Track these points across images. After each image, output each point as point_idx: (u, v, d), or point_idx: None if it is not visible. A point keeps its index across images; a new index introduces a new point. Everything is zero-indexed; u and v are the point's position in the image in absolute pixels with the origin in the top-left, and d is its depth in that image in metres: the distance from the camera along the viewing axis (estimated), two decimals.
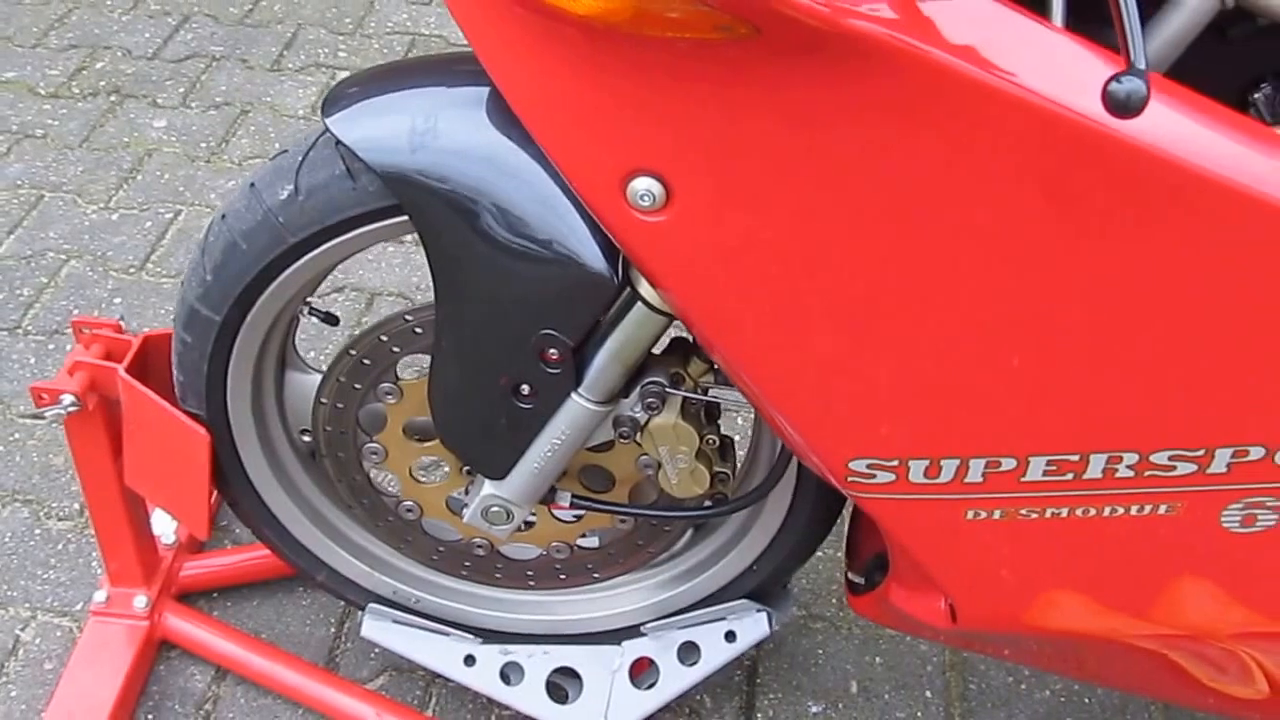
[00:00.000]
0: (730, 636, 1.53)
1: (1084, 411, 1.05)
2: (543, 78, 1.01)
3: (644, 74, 0.96)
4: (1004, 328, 1.00)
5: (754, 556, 1.48)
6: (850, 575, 1.45)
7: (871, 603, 1.38)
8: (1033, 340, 1.01)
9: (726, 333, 1.07)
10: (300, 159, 1.27)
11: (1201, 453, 1.05)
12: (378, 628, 1.59)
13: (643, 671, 1.56)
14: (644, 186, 0.99)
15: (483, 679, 1.57)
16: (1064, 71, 0.88)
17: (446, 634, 1.58)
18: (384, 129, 1.19)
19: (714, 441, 1.34)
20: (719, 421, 1.36)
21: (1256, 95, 1.06)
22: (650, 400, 1.28)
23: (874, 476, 1.12)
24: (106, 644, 1.65)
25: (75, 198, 2.41)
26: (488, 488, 1.35)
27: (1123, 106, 0.72)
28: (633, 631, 1.56)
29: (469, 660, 1.58)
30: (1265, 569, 1.14)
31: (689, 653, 1.54)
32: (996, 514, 1.13)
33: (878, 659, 1.73)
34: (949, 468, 1.10)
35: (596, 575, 1.53)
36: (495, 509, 1.36)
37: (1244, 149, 0.92)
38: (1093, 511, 1.11)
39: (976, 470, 1.10)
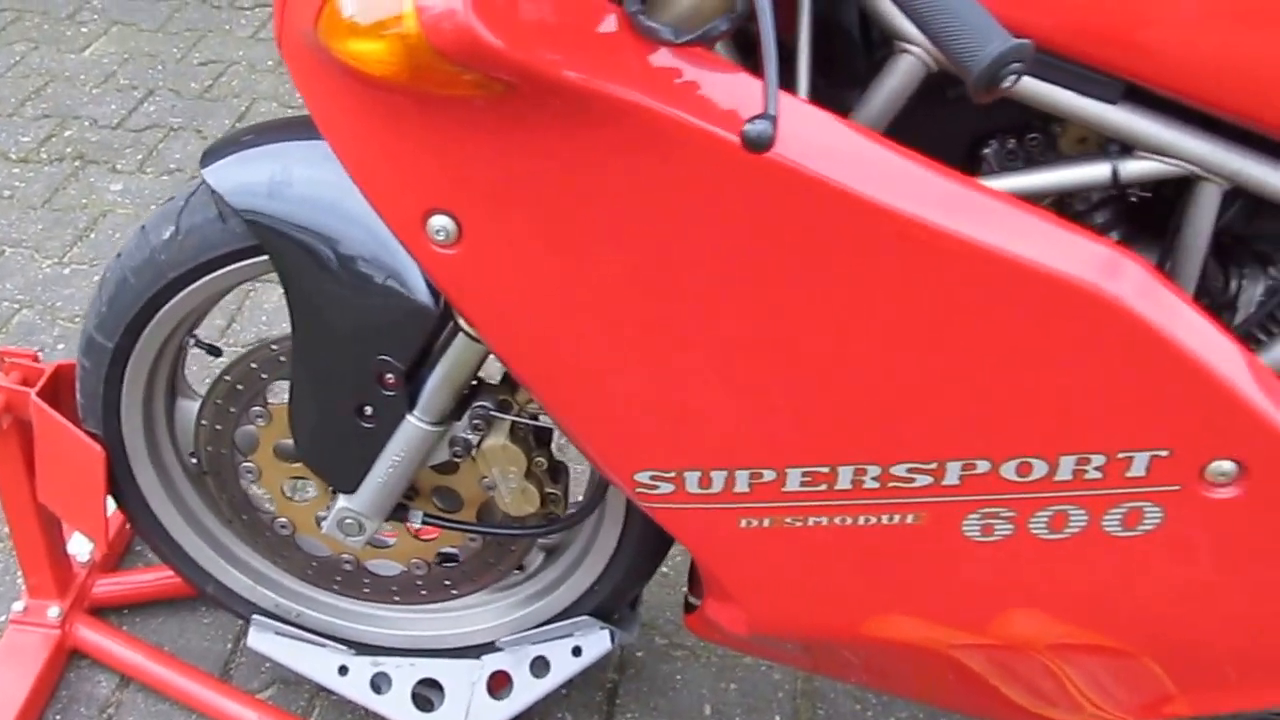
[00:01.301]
0: (577, 651, 1.64)
1: (827, 426, 1.16)
2: (355, 126, 1.14)
3: (434, 122, 1.08)
4: (749, 350, 1.12)
5: (595, 576, 1.60)
6: (689, 596, 1.57)
7: (698, 620, 1.50)
8: (776, 361, 1.13)
9: (520, 356, 1.20)
10: (183, 204, 1.42)
11: (934, 465, 1.17)
12: (262, 639, 1.72)
13: (501, 684, 1.67)
14: (439, 223, 1.11)
15: (355, 688, 1.69)
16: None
17: (323, 645, 1.70)
18: (248, 177, 1.34)
19: (543, 464, 1.47)
20: (551, 445, 1.49)
21: (986, 150, 1.20)
22: (477, 423, 1.41)
23: (657, 487, 1.24)
24: (22, 650, 1.77)
25: (33, 253, 2.57)
26: (341, 501, 1.48)
27: (753, 144, 0.86)
28: (490, 647, 1.68)
29: (342, 670, 1.70)
30: (1008, 578, 1.25)
31: (540, 667, 1.66)
32: (766, 522, 1.25)
33: (732, 685, 1.84)
34: (718, 479, 1.22)
35: (455, 592, 1.65)
36: (349, 521, 1.48)
37: (936, 187, 1.05)
38: (849, 520, 1.23)
39: (743, 481, 1.22)
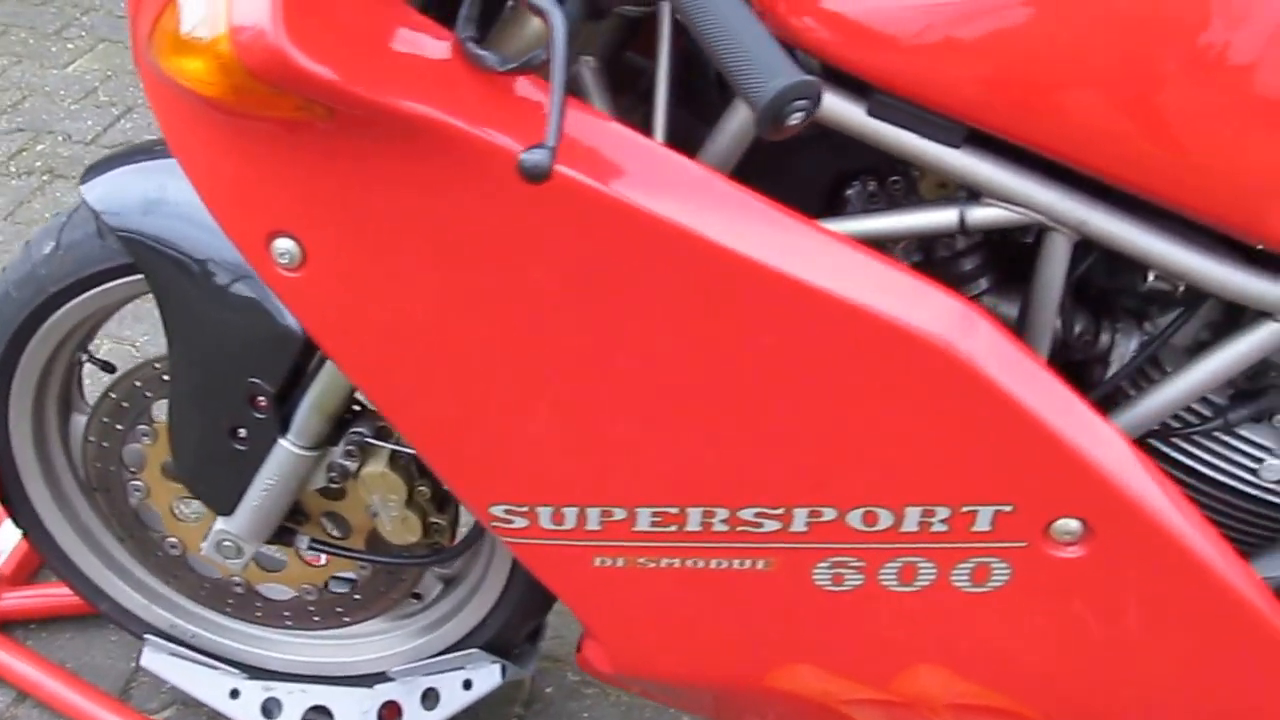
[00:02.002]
0: (468, 684, 1.61)
1: (672, 467, 1.14)
2: (201, 146, 1.13)
3: (274, 145, 1.07)
4: (586, 386, 1.11)
5: (488, 609, 1.57)
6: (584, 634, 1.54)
7: (583, 658, 1.47)
8: (615, 398, 1.11)
9: (368, 381, 1.18)
10: (65, 220, 1.41)
11: (781, 511, 1.15)
12: (155, 659, 1.70)
13: (393, 714, 1.65)
14: (283, 246, 1.09)
15: (245, 712, 1.67)
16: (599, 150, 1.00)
17: (215, 668, 1.68)
18: (124, 194, 1.34)
19: (425, 493, 1.45)
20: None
21: (849, 192, 1.17)
22: (350, 449, 1.39)
23: (511, 521, 1.22)
24: None
25: None
26: (219, 523, 1.46)
27: (528, 174, 0.84)
28: (383, 676, 1.65)
29: (234, 694, 1.68)
30: (860, 630, 1.22)
31: (431, 699, 1.63)
32: (620, 561, 1.23)
33: None
34: (571, 515, 1.20)
35: (347, 619, 1.63)
36: (226, 543, 1.47)
37: (782, 230, 1.03)
38: (701, 563, 1.21)
39: (594, 519, 1.20)
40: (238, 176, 1.11)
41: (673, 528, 1.18)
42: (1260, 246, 1.06)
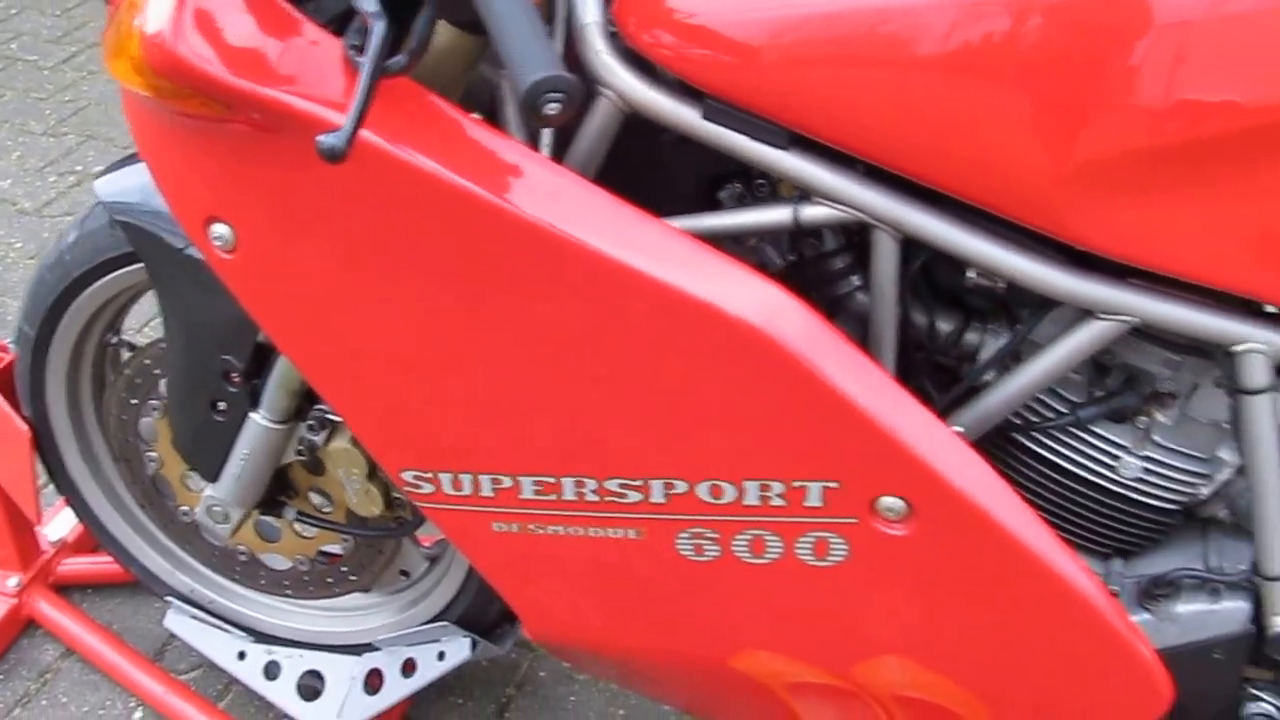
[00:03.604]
0: (441, 656, 1.75)
1: (541, 440, 1.26)
2: (151, 135, 1.29)
3: (206, 138, 1.22)
4: (466, 363, 1.23)
5: (458, 585, 1.71)
6: None
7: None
8: (488, 375, 1.23)
9: (297, 358, 1.33)
10: (88, 212, 1.62)
11: (641, 483, 1.25)
12: (177, 621, 1.89)
13: (376, 681, 1.80)
14: (219, 231, 1.25)
15: (249, 673, 1.84)
16: (473, 154, 1.13)
17: (227, 631, 1.86)
18: (127, 185, 1.53)
19: None
20: None
21: (721, 194, 1.28)
22: (311, 424, 1.55)
23: (420, 486, 1.35)
24: None
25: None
26: (208, 489, 1.64)
27: (324, 155, 0.98)
28: (370, 646, 1.81)
29: (241, 655, 1.85)
30: (723, 599, 1.31)
31: (409, 668, 1.77)
32: (515, 527, 1.34)
33: (620, 711, 1.91)
34: (467, 482, 1.33)
35: (337, 590, 1.79)
36: (215, 509, 1.64)
37: (621, 225, 1.15)
38: (581, 531, 1.32)
39: (487, 486, 1.32)
40: (178, 165, 1.27)
41: (552, 496, 1.29)
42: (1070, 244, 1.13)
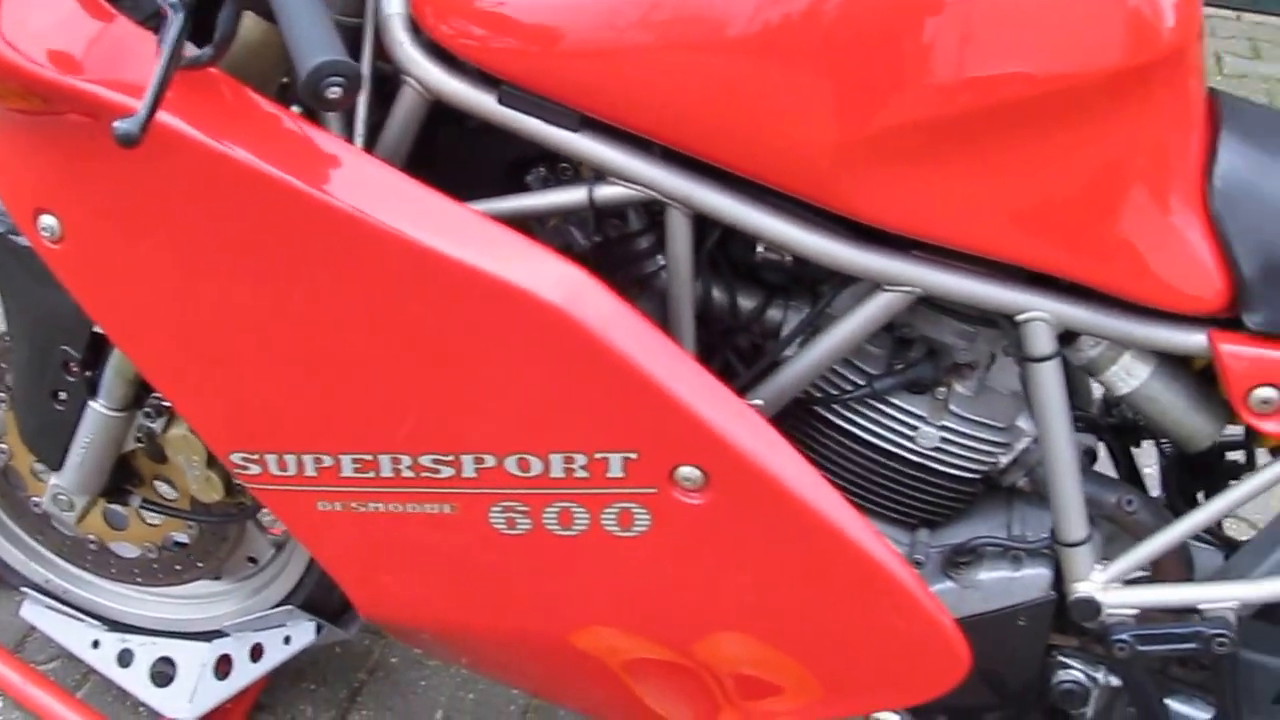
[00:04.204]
0: (287, 640, 1.76)
1: (360, 417, 1.28)
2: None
3: (34, 133, 1.23)
4: (278, 346, 1.24)
5: (302, 569, 1.73)
6: None
7: None
8: (298, 356, 1.24)
9: (126, 346, 1.34)
10: None
11: (452, 458, 1.28)
12: (33, 611, 1.88)
13: (226, 666, 1.81)
14: (46, 222, 1.25)
15: (104, 661, 1.84)
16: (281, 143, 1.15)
17: (82, 620, 1.86)
18: None
19: None
20: None
21: (528, 178, 1.31)
22: (149, 411, 1.56)
23: (248, 468, 1.37)
24: None
25: None
26: (53, 478, 1.64)
27: (120, 140, 1.00)
28: (220, 633, 1.81)
29: (95, 644, 1.85)
30: (538, 572, 1.34)
31: (257, 653, 1.78)
32: (338, 505, 1.36)
33: (470, 695, 1.93)
34: (291, 462, 1.34)
35: (186, 576, 1.79)
36: (60, 497, 1.64)
37: (418, 205, 1.18)
38: (399, 508, 1.33)
39: (310, 465, 1.33)
40: (6, 158, 1.28)
41: (371, 474, 1.31)
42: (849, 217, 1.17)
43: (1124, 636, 1.31)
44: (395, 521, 1.34)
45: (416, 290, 1.16)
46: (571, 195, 1.22)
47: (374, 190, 1.16)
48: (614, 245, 1.31)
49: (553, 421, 1.21)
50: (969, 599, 1.36)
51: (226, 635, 1.80)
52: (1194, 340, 1.21)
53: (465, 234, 1.16)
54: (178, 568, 1.76)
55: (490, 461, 1.25)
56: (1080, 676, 1.39)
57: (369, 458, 1.29)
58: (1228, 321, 1.21)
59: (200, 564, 1.75)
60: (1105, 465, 1.50)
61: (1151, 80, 1.14)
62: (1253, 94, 3.87)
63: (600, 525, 1.26)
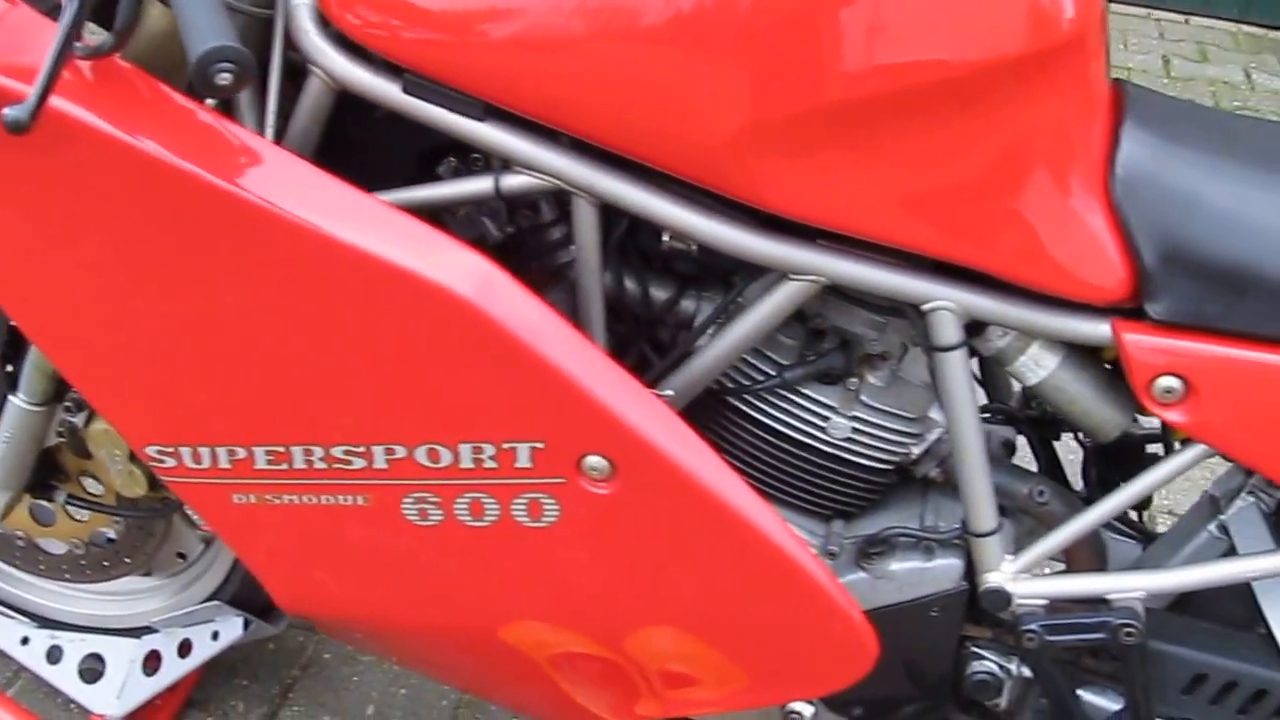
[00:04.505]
0: (215, 636, 1.75)
1: (271, 409, 1.27)
2: None
3: None
4: (197, 338, 1.23)
5: (229, 566, 1.71)
6: None
7: None
8: (220, 350, 1.23)
9: (38, 340, 1.33)
10: None
11: (363, 449, 1.27)
12: None
13: (154, 662, 1.79)
14: None
15: (32, 658, 1.82)
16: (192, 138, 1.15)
17: (11, 617, 1.85)
18: None
19: None
20: None
21: (440, 168, 1.30)
22: (69, 406, 1.55)
23: (164, 461, 1.35)
24: None
25: None
26: None
27: (9, 127, 0.99)
28: (150, 629, 1.80)
29: (24, 641, 1.83)
30: (451, 564, 1.33)
31: (185, 648, 1.77)
32: (252, 498, 1.35)
33: (403, 691, 1.92)
34: (205, 455, 1.33)
35: (114, 573, 1.78)
36: None
37: (323, 194, 1.17)
38: (313, 499, 1.32)
39: (224, 458, 1.32)
40: None
41: (284, 465, 1.30)
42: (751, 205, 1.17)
43: (1032, 627, 1.31)
44: (310, 514, 1.33)
45: (321, 281, 1.16)
46: (478, 185, 1.21)
47: (280, 180, 1.15)
48: (527, 236, 1.30)
49: (460, 412, 1.20)
50: (881, 590, 1.36)
51: (156, 631, 1.77)
52: (1099, 330, 1.21)
53: (370, 224, 1.15)
54: (106, 564, 1.75)
55: (400, 452, 1.24)
56: (993, 667, 1.39)
57: (281, 449, 1.28)
58: (1132, 311, 1.20)
59: (128, 560, 1.73)
60: (1028, 458, 1.50)
61: (1052, 67, 1.14)
62: (1199, 96, 3.90)
63: (511, 516, 1.26)
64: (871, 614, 1.35)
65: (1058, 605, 1.35)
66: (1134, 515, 1.55)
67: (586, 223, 1.21)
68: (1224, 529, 1.39)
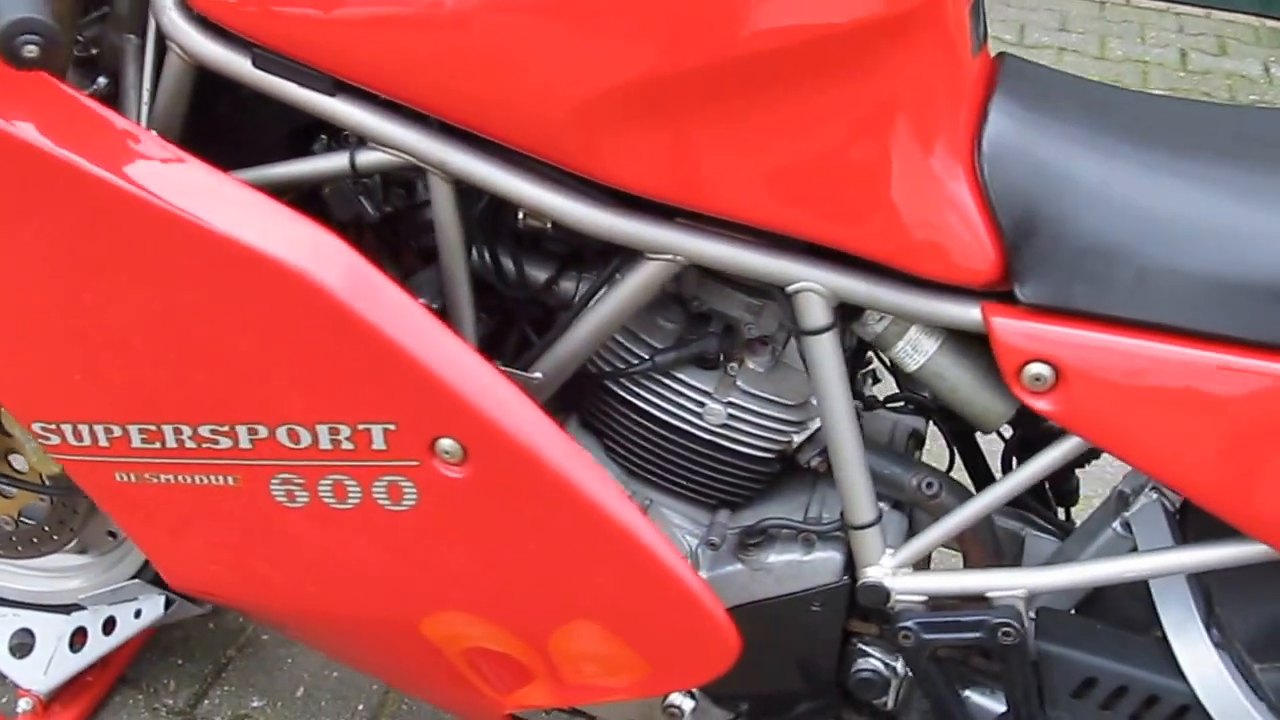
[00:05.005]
0: (138, 614, 1.75)
1: (137, 388, 1.26)
2: None
3: None
4: (60, 317, 1.23)
5: None
6: None
7: None
8: (82, 328, 1.23)
9: None
10: None
11: (228, 428, 1.25)
12: None
13: (82, 638, 1.79)
14: None
15: None
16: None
17: None
18: None
19: None
20: None
21: (315, 146, 1.28)
22: None
23: (49, 438, 1.35)
24: None
25: None
26: None
27: None
28: (78, 606, 1.80)
29: None
30: (321, 547, 1.31)
31: (110, 626, 1.77)
32: (132, 477, 1.34)
33: (335, 673, 1.91)
34: (85, 432, 1.32)
35: (43, 549, 1.78)
36: None
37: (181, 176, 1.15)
38: (188, 479, 1.31)
39: (102, 436, 1.31)
40: None
41: (157, 444, 1.29)
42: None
43: (908, 624, 1.27)
44: (187, 494, 1.32)
45: (173, 259, 1.15)
46: (334, 162, 1.19)
47: (132, 159, 1.14)
48: (402, 216, 1.28)
49: (313, 391, 1.18)
50: (761, 582, 1.32)
51: (84, 609, 1.77)
52: (970, 314, 1.14)
53: (213, 200, 1.13)
54: (35, 540, 1.75)
55: (263, 433, 1.23)
56: (878, 665, 1.34)
57: (153, 428, 1.27)
58: (1003, 294, 1.13)
59: (56, 536, 1.73)
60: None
61: (907, 34, 1.07)
62: (1215, 90, 3.80)
63: (373, 499, 1.24)
64: (751, 607, 1.33)
65: (942, 603, 1.30)
66: (1061, 513, 1.50)
67: (443, 200, 1.18)
68: (1128, 526, 1.33)
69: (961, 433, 1.48)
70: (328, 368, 1.16)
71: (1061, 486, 1.51)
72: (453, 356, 1.14)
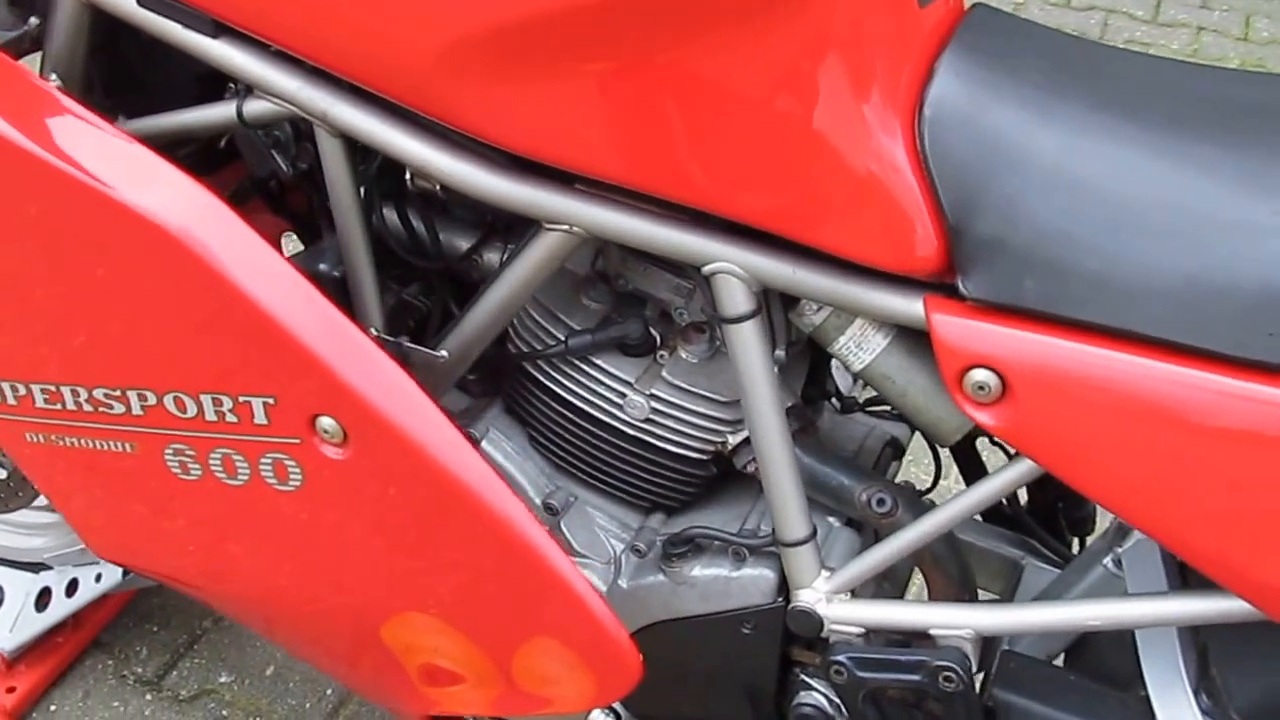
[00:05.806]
0: (99, 578, 1.69)
1: (31, 346, 1.18)
2: None
3: None
4: None
5: None
6: None
7: None
8: None
9: None
10: None
11: (119, 393, 1.17)
12: None
13: (48, 598, 1.74)
14: None
15: None
16: None
17: None
18: None
19: None
20: None
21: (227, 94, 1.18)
22: None
23: None
24: None
25: None
26: None
27: None
28: (45, 565, 1.75)
29: None
30: (218, 522, 1.22)
31: (72, 588, 1.72)
32: (41, 438, 1.27)
33: None
34: None
35: (12, 505, 1.73)
36: None
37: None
38: (90, 443, 1.23)
39: (9, 394, 1.24)
40: None
41: (59, 406, 1.21)
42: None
43: (841, 658, 1.12)
44: (90, 458, 1.25)
45: (53, 214, 1.07)
46: (222, 111, 1.09)
47: (16, 108, 1.05)
48: (315, 174, 1.17)
49: (194, 360, 1.10)
50: (684, 597, 1.18)
51: (51, 569, 1.72)
52: (913, 308, 0.97)
53: (101, 154, 1.05)
54: (2, 496, 1.69)
55: (151, 399, 1.15)
56: (820, 700, 1.19)
57: (53, 389, 1.20)
58: (948, 287, 0.96)
59: (20, 493, 1.67)
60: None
61: None
62: (1278, 62, 3.45)
63: (260, 476, 1.15)
64: (675, 624, 1.19)
65: (883, 635, 1.15)
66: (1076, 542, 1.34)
67: (332, 156, 1.07)
68: (1119, 563, 1.16)
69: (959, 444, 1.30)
70: (206, 336, 1.07)
71: (1074, 513, 1.33)
72: (331, 330, 1.04)
